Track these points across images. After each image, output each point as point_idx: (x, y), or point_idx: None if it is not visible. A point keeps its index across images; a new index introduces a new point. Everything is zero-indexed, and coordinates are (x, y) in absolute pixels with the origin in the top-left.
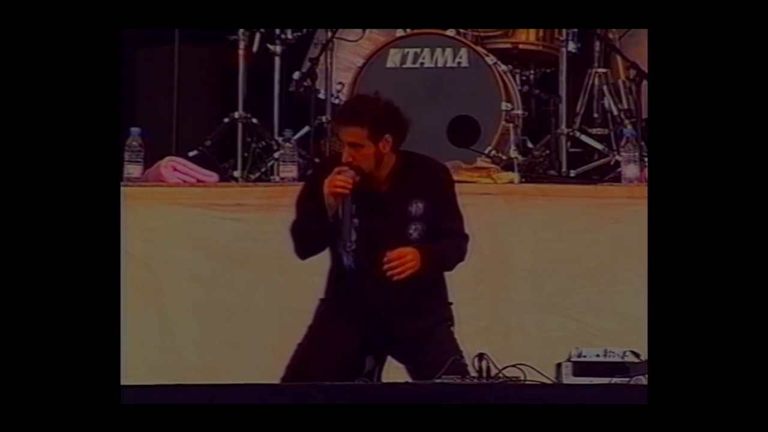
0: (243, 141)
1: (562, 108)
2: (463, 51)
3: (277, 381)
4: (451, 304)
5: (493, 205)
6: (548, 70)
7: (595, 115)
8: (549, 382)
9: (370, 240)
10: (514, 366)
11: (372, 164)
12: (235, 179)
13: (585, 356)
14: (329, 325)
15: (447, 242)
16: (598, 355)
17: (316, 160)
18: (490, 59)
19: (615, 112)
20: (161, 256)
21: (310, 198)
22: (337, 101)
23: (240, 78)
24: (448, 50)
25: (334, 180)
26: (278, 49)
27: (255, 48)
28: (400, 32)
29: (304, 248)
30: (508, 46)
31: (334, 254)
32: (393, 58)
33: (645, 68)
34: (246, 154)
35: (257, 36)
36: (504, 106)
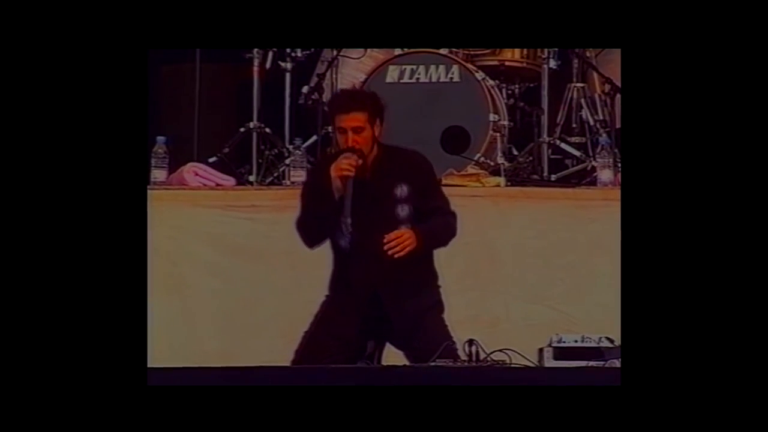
0: (257, 148)
1: (544, 119)
2: (455, 68)
3: (287, 364)
4: (439, 287)
5: (481, 207)
6: (531, 85)
7: (574, 125)
8: (532, 365)
9: (362, 222)
10: (500, 351)
11: (369, 148)
12: (251, 183)
13: (564, 342)
14: (332, 316)
15: (438, 220)
16: (576, 341)
17: None
18: (479, 75)
19: (591, 123)
20: (184, 252)
21: (312, 190)
22: None
23: (254, 92)
24: (441, 67)
25: (339, 164)
26: (289, 65)
27: (268, 65)
28: (398, 51)
29: (312, 235)
30: (496, 63)
31: (335, 245)
32: (392, 74)
33: (619, 83)
34: (260, 161)
35: (270, 54)
36: (492, 117)
